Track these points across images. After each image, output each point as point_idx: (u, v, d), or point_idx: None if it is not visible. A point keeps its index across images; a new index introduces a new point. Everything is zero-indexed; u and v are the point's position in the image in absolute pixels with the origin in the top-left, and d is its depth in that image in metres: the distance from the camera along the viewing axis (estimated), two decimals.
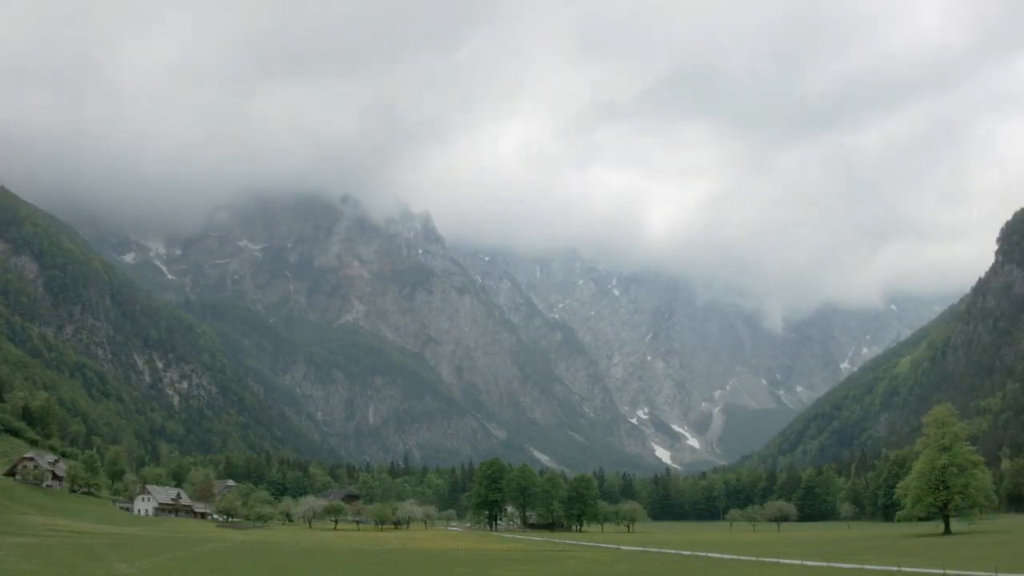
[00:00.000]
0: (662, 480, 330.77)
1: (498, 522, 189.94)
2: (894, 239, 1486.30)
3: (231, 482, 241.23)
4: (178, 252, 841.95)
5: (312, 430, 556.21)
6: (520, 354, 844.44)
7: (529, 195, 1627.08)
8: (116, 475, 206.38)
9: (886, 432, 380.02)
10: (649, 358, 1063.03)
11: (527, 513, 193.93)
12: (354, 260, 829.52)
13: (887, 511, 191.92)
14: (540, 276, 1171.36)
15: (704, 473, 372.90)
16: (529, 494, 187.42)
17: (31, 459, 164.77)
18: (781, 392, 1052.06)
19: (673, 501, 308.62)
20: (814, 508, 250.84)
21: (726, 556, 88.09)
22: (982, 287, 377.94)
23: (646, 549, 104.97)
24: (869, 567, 68.85)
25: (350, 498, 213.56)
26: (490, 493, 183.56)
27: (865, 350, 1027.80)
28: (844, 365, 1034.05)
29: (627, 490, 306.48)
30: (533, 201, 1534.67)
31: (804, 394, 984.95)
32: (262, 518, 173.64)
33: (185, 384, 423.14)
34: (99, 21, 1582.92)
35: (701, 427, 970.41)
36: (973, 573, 60.95)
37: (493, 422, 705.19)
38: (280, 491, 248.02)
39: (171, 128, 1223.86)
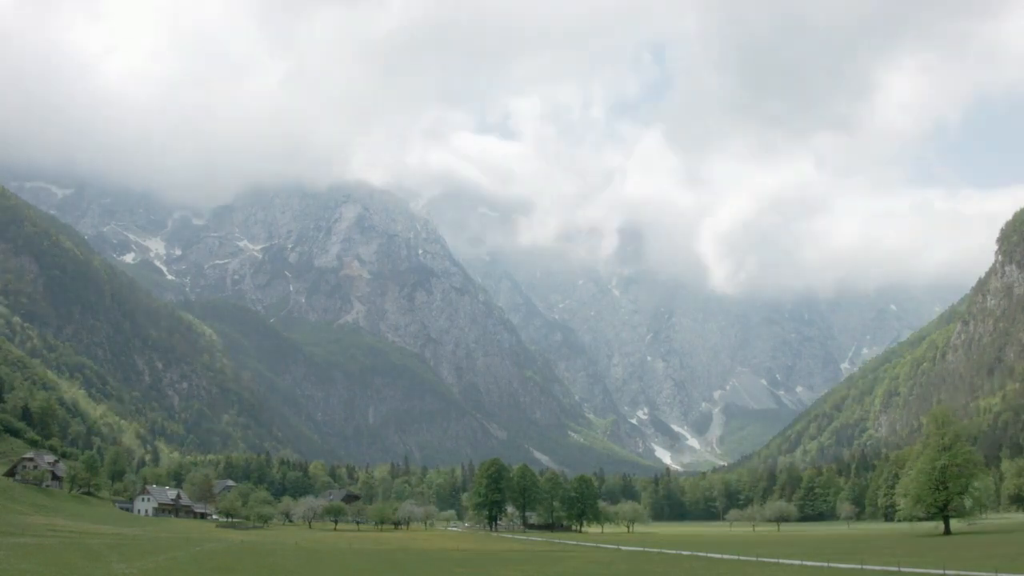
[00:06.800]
0: (662, 480, 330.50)
1: (498, 522, 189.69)
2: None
3: (231, 482, 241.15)
4: (178, 252, 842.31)
5: (312, 430, 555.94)
6: (520, 354, 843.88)
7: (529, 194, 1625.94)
8: (116, 475, 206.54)
9: (886, 432, 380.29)
10: (649, 358, 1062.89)
11: (527, 513, 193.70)
12: (354, 260, 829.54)
13: (887, 511, 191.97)
14: (540, 276, 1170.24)
15: (704, 473, 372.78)
16: (530, 494, 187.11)
17: (31, 459, 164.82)
18: (781, 392, 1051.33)
19: (673, 501, 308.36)
20: (814, 508, 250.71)
21: (726, 556, 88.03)
22: (982, 287, 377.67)
23: (646, 549, 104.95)
24: (869, 567, 68.81)
25: (350, 498, 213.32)
26: (491, 493, 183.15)
27: (865, 350, 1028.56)
28: (844, 365, 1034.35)
29: (627, 490, 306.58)
30: (532, 201, 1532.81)
31: (804, 394, 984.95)
32: (262, 518, 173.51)
33: (185, 384, 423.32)
34: (97, 22, 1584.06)
35: (701, 427, 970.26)
36: (973, 573, 60.89)
37: (493, 422, 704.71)
38: (280, 491, 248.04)
39: (171, 129, 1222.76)
